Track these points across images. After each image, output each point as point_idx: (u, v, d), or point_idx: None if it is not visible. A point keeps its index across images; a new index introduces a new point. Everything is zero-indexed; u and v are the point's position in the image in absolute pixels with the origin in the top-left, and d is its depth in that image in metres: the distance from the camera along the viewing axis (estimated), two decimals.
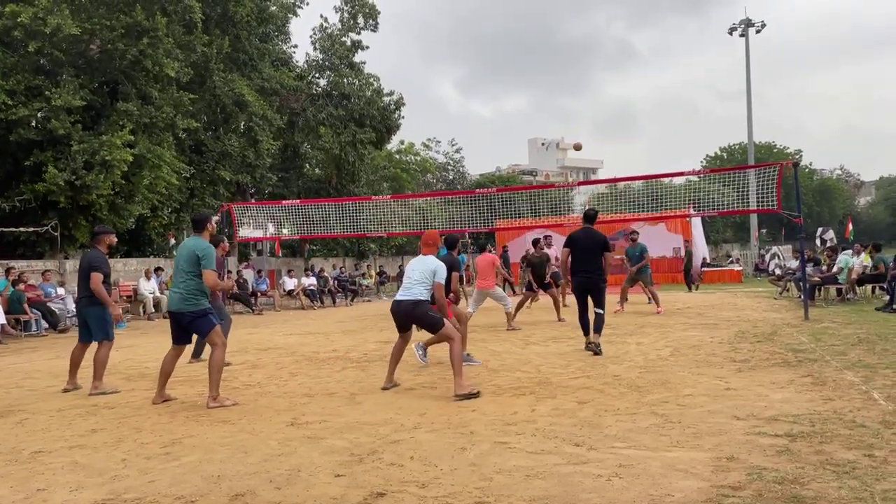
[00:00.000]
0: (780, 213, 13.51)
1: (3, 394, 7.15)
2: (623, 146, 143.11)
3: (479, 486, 3.64)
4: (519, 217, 20.15)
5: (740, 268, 27.76)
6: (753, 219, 36.90)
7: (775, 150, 54.59)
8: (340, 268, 25.84)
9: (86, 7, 16.88)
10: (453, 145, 54.64)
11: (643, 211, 20.46)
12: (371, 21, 27.90)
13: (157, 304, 17.21)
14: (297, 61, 28.45)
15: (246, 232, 18.69)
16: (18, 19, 14.99)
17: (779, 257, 28.87)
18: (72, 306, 15.14)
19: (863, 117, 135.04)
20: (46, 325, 14.08)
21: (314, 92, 27.55)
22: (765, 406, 5.16)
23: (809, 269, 14.41)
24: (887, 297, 12.68)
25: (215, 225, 6.85)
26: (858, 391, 5.54)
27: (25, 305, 13.59)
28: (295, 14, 27.10)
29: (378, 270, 27.36)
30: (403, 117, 29.43)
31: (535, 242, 13.49)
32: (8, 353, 10.89)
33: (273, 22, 25.29)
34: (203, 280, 6.02)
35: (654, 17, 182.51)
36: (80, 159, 15.67)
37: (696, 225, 26.97)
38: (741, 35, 36.44)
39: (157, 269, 18.35)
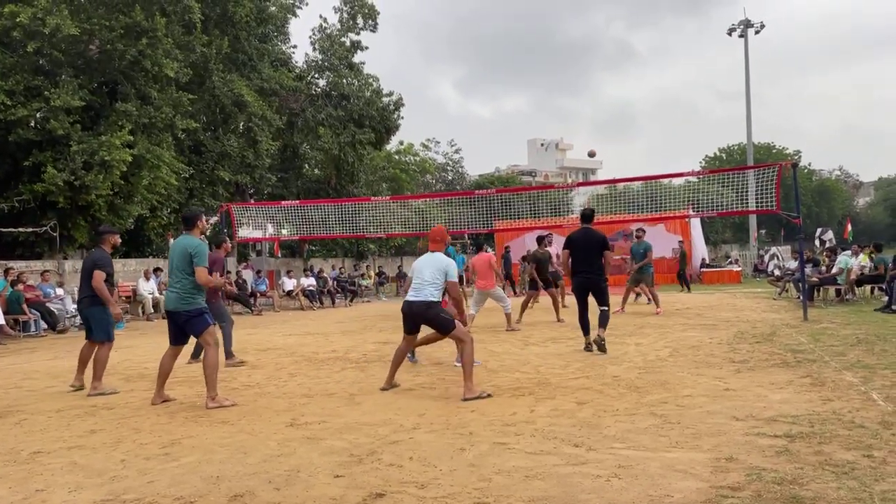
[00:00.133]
0: (779, 214, 13.52)
1: (1, 394, 7.14)
2: (622, 146, 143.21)
3: (478, 486, 3.64)
4: (518, 218, 20.17)
5: (739, 268, 27.77)
6: (752, 219, 36.91)
7: (774, 151, 54.59)
8: (340, 268, 25.83)
9: (85, 7, 16.87)
10: (452, 146, 54.79)
11: (642, 212, 20.46)
12: (370, 21, 27.90)
13: (156, 305, 17.20)
14: (296, 62, 28.45)
15: (245, 232, 18.71)
16: (17, 19, 14.97)
17: (778, 258, 28.88)
18: (70, 307, 15.13)
19: (862, 118, 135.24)
20: (45, 326, 14.07)
21: (313, 92, 27.54)
22: (764, 407, 5.16)
23: (808, 269, 14.41)
24: (886, 298, 12.69)
25: (206, 222, 6.83)
26: (857, 392, 5.54)
27: (24, 306, 13.57)
28: (294, 14, 27.10)
29: (377, 271, 27.35)
30: (403, 118, 29.46)
31: (540, 240, 13.48)
32: (7, 354, 10.88)
33: (272, 22, 25.28)
34: (195, 277, 6.01)
35: (654, 17, 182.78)
36: (79, 160, 15.66)
37: (696, 226, 26.98)
38: (740, 36, 36.44)
39: (156, 270, 18.34)
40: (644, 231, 14.48)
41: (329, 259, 29.27)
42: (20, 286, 13.83)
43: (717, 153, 58.00)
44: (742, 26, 36.30)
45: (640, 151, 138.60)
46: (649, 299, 14.59)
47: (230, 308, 16.52)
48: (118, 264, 18.78)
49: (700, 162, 59.78)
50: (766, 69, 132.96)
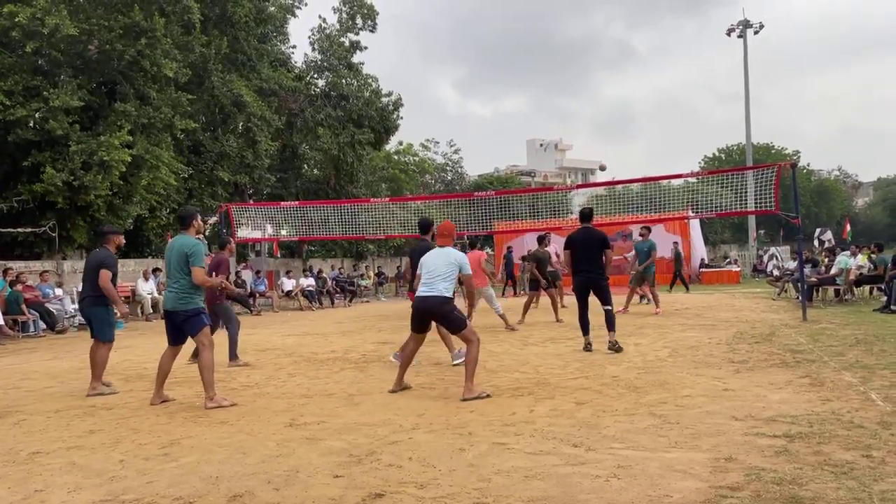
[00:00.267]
0: (778, 214, 13.53)
1: (0, 394, 7.13)
2: (621, 147, 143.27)
3: (477, 486, 3.64)
4: (517, 219, 20.16)
5: (738, 269, 27.79)
6: (751, 220, 36.94)
7: (773, 151, 54.62)
8: (339, 269, 25.84)
9: (84, 7, 16.87)
10: (452, 146, 54.70)
11: (642, 213, 20.48)
12: (369, 22, 27.92)
13: (155, 305, 17.19)
14: (295, 62, 28.48)
15: (244, 233, 18.68)
16: (16, 19, 14.97)
17: (777, 258, 28.92)
18: (69, 307, 15.13)
19: (861, 118, 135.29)
20: (44, 326, 14.06)
21: (313, 92, 27.55)
22: (763, 407, 5.16)
23: (807, 270, 14.42)
24: (885, 298, 12.70)
25: (202, 222, 6.82)
26: (856, 392, 5.54)
27: (23, 306, 13.57)
28: (293, 15, 27.12)
29: (376, 271, 27.37)
30: (402, 118, 29.50)
31: (541, 240, 13.48)
32: (6, 354, 10.87)
33: (271, 22, 25.29)
34: (192, 277, 6.01)
35: (653, 17, 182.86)
36: (78, 160, 15.65)
37: (695, 226, 27.00)
38: (739, 36, 36.50)
39: (155, 270, 18.32)
40: (649, 230, 14.45)
41: (328, 259, 29.29)
42: (19, 286, 13.83)
43: (717, 153, 58.03)
44: (741, 27, 36.35)
45: (639, 152, 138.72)
46: (649, 300, 14.60)
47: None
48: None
49: (699, 162, 59.85)
50: (765, 70, 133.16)
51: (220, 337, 8.29)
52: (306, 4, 27.59)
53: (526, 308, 13.01)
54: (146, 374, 7.85)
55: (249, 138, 22.72)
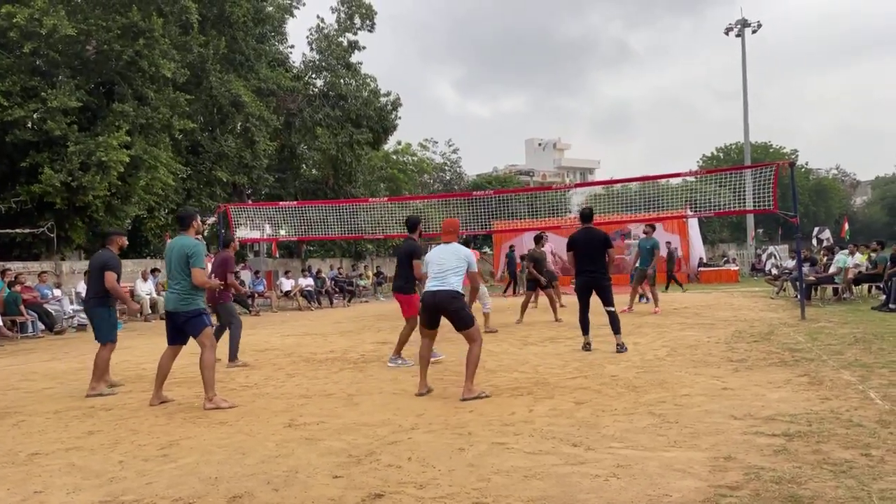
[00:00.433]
0: (776, 213, 13.54)
1: None
2: (620, 146, 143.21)
3: (477, 486, 3.64)
4: (516, 218, 20.14)
5: (737, 268, 27.82)
6: (750, 219, 36.98)
7: (771, 150, 54.66)
8: (338, 269, 25.83)
9: (82, 8, 16.86)
10: (450, 146, 54.80)
11: (640, 212, 20.49)
12: (368, 21, 27.93)
13: (153, 306, 17.17)
14: (293, 62, 28.50)
15: (243, 233, 18.67)
16: (14, 20, 14.96)
17: (775, 257, 28.95)
18: (68, 308, 15.12)
19: (859, 117, 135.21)
20: (43, 327, 14.04)
21: (311, 92, 27.55)
22: (762, 406, 5.17)
23: (806, 268, 14.44)
24: (883, 297, 12.71)
25: (201, 222, 6.87)
26: (855, 390, 5.55)
27: (22, 307, 13.55)
28: (291, 15, 27.11)
29: (375, 271, 27.36)
30: (400, 118, 29.52)
31: (538, 239, 13.47)
32: (4, 355, 10.85)
33: (269, 22, 25.30)
34: (192, 278, 6.01)
35: (651, 16, 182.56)
36: (77, 160, 15.64)
37: (693, 225, 27.04)
38: (737, 35, 36.54)
39: (154, 271, 18.31)
40: (653, 228, 14.42)
41: (327, 259, 29.29)
42: (18, 287, 13.81)
43: (715, 153, 58.07)
44: (739, 26, 36.40)
45: (638, 151, 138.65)
46: (647, 299, 14.60)
47: None
48: None
49: (697, 161, 59.89)
50: (764, 68, 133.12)
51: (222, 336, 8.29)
52: (304, 4, 27.60)
53: (524, 308, 13.01)
54: (145, 375, 7.85)
55: (248, 138, 22.72)
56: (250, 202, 24.12)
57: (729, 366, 7.03)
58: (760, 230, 47.92)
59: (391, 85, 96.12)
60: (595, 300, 8.48)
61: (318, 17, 29.16)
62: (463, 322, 6.08)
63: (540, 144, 77.76)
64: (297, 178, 28.54)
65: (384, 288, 25.44)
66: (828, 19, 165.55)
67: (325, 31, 27.84)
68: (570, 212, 24.15)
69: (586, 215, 8.86)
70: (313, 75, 28.32)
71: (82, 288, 15.49)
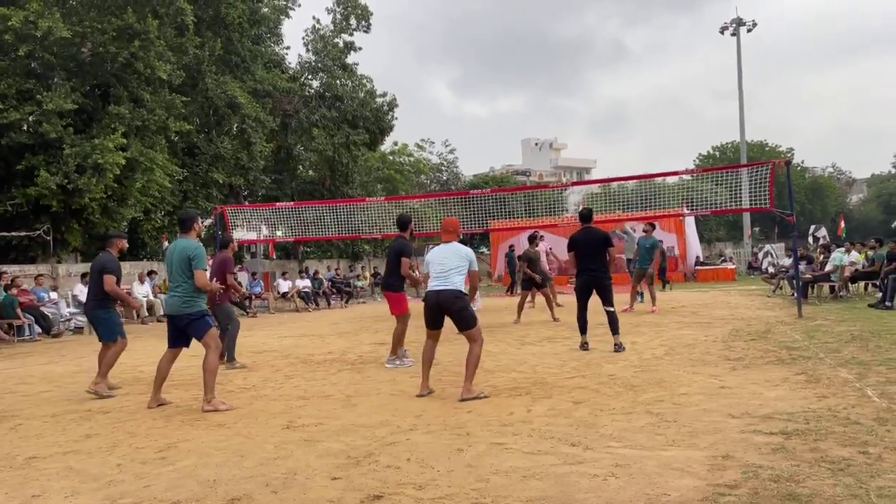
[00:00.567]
0: (772, 212, 13.57)
1: None
2: (617, 146, 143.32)
3: (475, 487, 3.64)
4: (513, 217, 20.17)
5: (733, 266, 27.87)
6: (746, 217, 37.05)
7: (767, 149, 54.74)
8: (335, 270, 25.81)
9: (77, 10, 16.83)
10: (447, 146, 54.82)
11: (637, 210, 20.52)
12: (363, 22, 27.90)
13: (150, 308, 17.14)
14: (289, 63, 28.44)
15: (239, 234, 18.65)
16: (9, 23, 14.91)
17: (772, 255, 29.03)
18: (65, 311, 15.09)
19: (855, 116, 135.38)
20: (39, 330, 14.02)
21: (307, 94, 27.51)
22: (759, 404, 5.18)
23: (802, 266, 14.47)
24: (880, 294, 12.74)
25: (202, 225, 6.91)
26: (852, 388, 5.56)
27: (18, 310, 13.52)
28: (287, 16, 27.06)
29: (372, 272, 27.34)
30: (397, 118, 29.52)
31: (532, 239, 13.48)
32: (1, 359, 10.82)
33: (265, 24, 25.25)
34: (194, 280, 6.01)
35: (647, 14, 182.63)
36: (73, 163, 15.61)
37: (690, 224, 27.09)
38: (732, 34, 36.64)
39: (151, 273, 18.28)
40: (654, 226, 14.41)
41: (324, 260, 29.25)
42: (14, 290, 13.78)
43: (711, 151, 58.15)
44: (734, 25, 36.49)
45: (634, 150, 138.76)
46: (642, 297, 14.59)
47: None
48: None
49: (694, 160, 59.96)
50: (760, 67, 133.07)
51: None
52: (300, 5, 27.54)
53: (520, 308, 13.02)
54: (142, 378, 7.83)
55: (244, 140, 22.68)
56: (247, 203, 24.08)
57: (726, 364, 7.04)
58: (757, 229, 47.96)
59: (388, 86, 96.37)
60: (593, 301, 8.50)
61: (313, 17, 29.10)
62: (465, 322, 6.07)
63: (536, 144, 77.81)
64: (293, 180, 28.50)
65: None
66: (825, 18, 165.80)
67: (321, 32, 27.81)
68: (566, 211, 24.14)
69: (585, 216, 8.89)
70: (309, 76, 28.29)
71: (79, 291, 15.47)
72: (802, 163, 58.32)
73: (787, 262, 20.12)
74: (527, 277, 13.05)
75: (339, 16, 27.77)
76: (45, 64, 16.10)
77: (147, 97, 17.57)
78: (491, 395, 6.00)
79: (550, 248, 16.26)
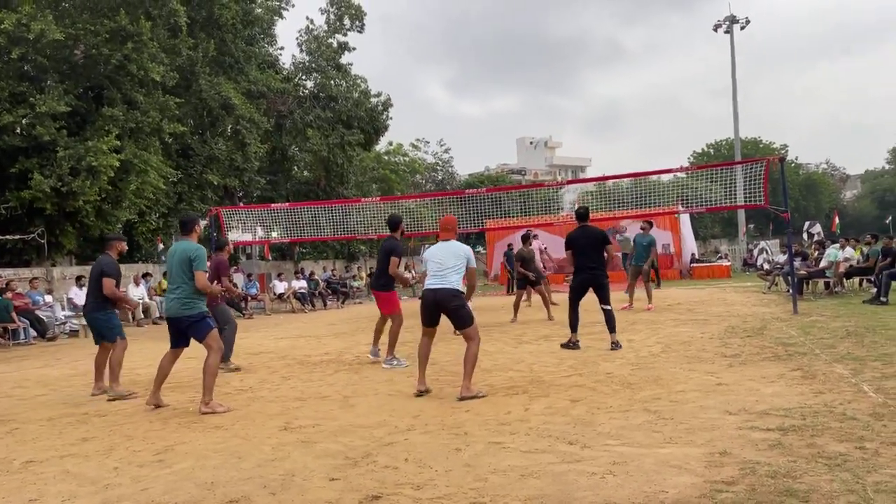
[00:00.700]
0: (767, 209, 13.59)
1: None
2: (612, 144, 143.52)
3: (474, 486, 3.64)
4: (509, 216, 20.16)
5: (729, 263, 27.92)
6: (741, 214, 37.11)
7: (761, 146, 54.87)
8: (331, 270, 25.78)
9: (69, 12, 16.78)
10: (442, 145, 54.87)
11: (632, 208, 20.54)
12: (357, 22, 27.88)
13: (146, 311, 17.09)
14: (283, 64, 28.41)
15: (235, 236, 18.63)
16: (2, 25, 14.86)
17: (767, 252, 29.05)
18: (60, 314, 15.03)
19: (848, 112, 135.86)
20: (34, 334, 13.96)
21: (301, 94, 27.48)
22: (756, 400, 5.19)
23: (797, 263, 14.50)
24: (875, 290, 12.78)
25: (202, 227, 6.92)
26: (848, 384, 5.58)
27: (13, 314, 13.47)
28: (280, 16, 27.04)
29: (368, 272, 27.29)
30: (391, 118, 29.50)
31: (525, 238, 13.48)
32: None
33: (258, 24, 25.21)
34: (195, 281, 6.01)
35: (642, 13, 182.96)
36: (66, 165, 15.56)
37: (685, 221, 27.12)
38: (726, 32, 36.70)
39: (146, 275, 18.22)
40: (651, 224, 14.42)
41: (320, 261, 29.22)
42: (9, 294, 13.73)
43: (705, 149, 58.28)
44: (727, 22, 36.55)
45: (630, 148, 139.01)
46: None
47: None
48: None
49: (688, 158, 60.07)
50: (753, 64, 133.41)
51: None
52: (293, 6, 27.52)
53: (516, 307, 13.03)
54: (138, 380, 7.81)
55: (238, 141, 22.64)
56: (242, 205, 24.04)
57: (723, 361, 7.06)
58: (752, 225, 48.12)
59: (382, 86, 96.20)
60: (588, 300, 8.50)
61: (307, 18, 29.07)
62: (462, 321, 6.08)
63: (531, 143, 77.86)
64: (288, 180, 28.47)
65: None
66: (817, 14, 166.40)
67: (315, 32, 27.78)
68: (562, 209, 24.16)
69: (582, 214, 8.90)
70: (303, 77, 28.26)
71: (74, 293, 15.42)
72: (796, 159, 58.53)
73: (782, 258, 20.16)
74: (521, 276, 13.07)
75: (332, 16, 27.74)
76: (38, 66, 16.05)
77: (141, 99, 17.53)
78: (488, 395, 6.01)
79: (545, 247, 16.27)
